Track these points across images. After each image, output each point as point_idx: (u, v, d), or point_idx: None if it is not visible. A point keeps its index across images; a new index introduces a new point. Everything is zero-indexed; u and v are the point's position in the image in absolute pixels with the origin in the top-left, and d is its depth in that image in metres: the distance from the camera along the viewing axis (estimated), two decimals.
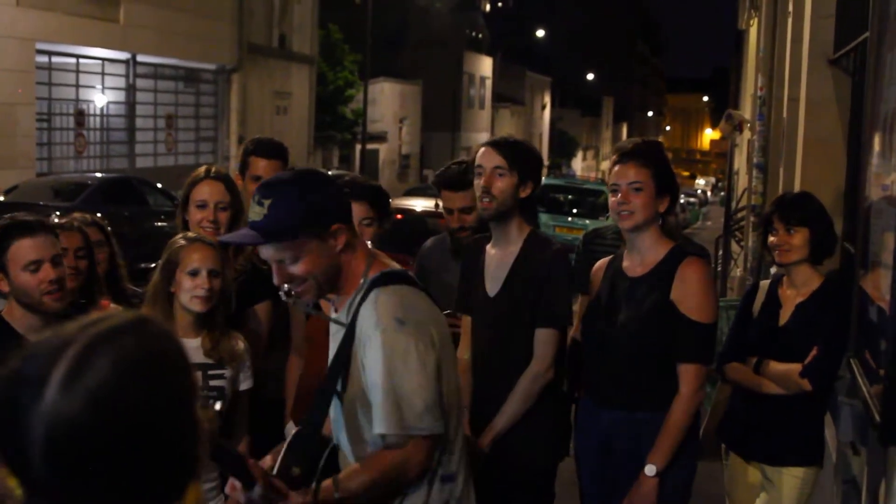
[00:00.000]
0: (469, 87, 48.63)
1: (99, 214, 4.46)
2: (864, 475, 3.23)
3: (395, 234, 6.08)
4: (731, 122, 11.19)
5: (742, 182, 15.93)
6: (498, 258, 3.43)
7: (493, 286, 3.42)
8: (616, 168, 3.26)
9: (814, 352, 3.57)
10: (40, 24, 18.20)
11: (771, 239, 3.75)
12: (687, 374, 3.17)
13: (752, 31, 14.84)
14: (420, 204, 13.38)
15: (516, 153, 3.38)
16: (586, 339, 3.43)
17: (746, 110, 14.89)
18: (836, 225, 3.92)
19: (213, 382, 3.19)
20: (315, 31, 31.35)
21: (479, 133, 46.66)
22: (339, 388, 2.50)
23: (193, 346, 3.14)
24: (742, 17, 16.87)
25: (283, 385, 3.72)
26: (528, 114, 58.54)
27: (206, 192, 3.70)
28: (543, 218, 18.15)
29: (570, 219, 20.09)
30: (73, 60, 20.49)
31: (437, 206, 7.76)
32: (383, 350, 2.35)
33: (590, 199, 20.97)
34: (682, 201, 32.18)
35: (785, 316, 3.75)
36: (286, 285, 2.43)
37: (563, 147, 63.70)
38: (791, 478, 3.68)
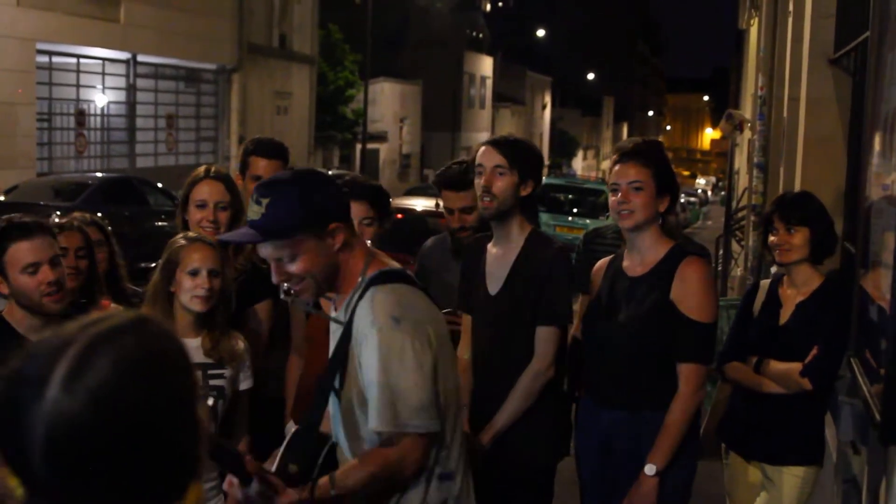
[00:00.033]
0: (469, 86, 48.63)
1: (99, 214, 4.46)
2: (864, 474, 3.23)
3: (396, 233, 6.08)
4: (732, 121, 11.18)
5: (742, 182, 15.94)
6: (499, 257, 3.44)
7: (494, 285, 3.42)
8: (616, 167, 3.26)
9: (814, 351, 3.57)
10: (41, 24, 18.20)
11: (771, 238, 3.75)
12: (687, 373, 3.17)
13: (753, 31, 14.84)
14: (420, 203, 13.39)
15: (516, 152, 3.38)
16: (586, 338, 3.43)
17: (747, 110, 14.88)
18: (837, 224, 3.92)
19: (212, 382, 3.19)
20: (315, 31, 31.35)
21: (480, 133, 46.65)
22: (336, 385, 2.51)
23: (193, 346, 3.14)
24: (742, 16, 16.87)
25: (284, 384, 3.72)
26: (529, 113, 58.53)
27: (206, 191, 3.70)
28: (544, 217, 18.15)
29: (570, 218, 20.10)
30: (73, 60, 20.49)
31: (437, 205, 7.76)
32: (379, 348, 2.36)
33: (590, 199, 20.99)
34: (682, 201, 32.19)
35: (785, 315, 3.75)
36: (285, 284, 2.45)
37: (564, 147, 63.69)
38: (791, 477, 3.68)
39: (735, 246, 13.72)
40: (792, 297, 3.76)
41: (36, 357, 1.14)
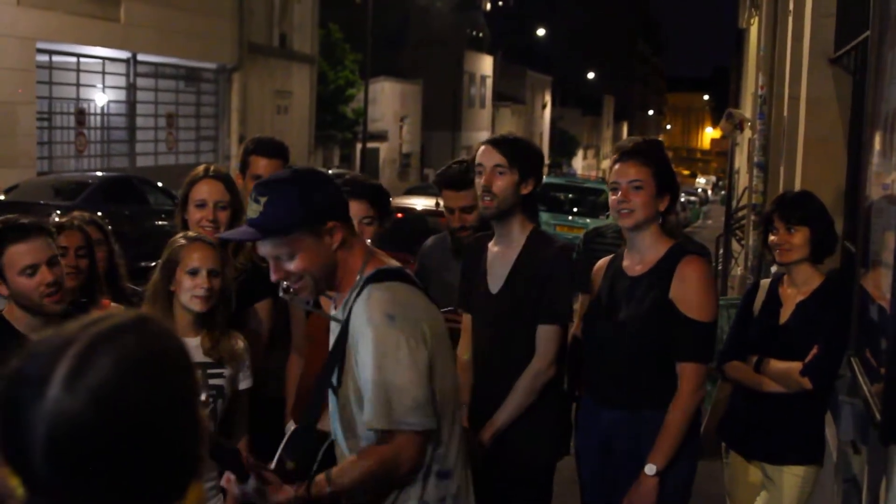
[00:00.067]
0: (469, 86, 48.62)
1: (100, 213, 4.47)
2: (864, 474, 3.23)
3: (396, 232, 6.08)
4: (732, 120, 11.17)
5: (743, 181, 15.93)
6: (500, 256, 3.44)
7: (495, 284, 3.42)
8: (616, 166, 3.26)
9: (814, 350, 3.57)
10: (41, 24, 18.20)
11: (771, 238, 3.75)
12: (686, 372, 3.17)
13: (753, 30, 14.83)
14: (420, 203, 13.38)
15: (516, 151, 3.38)
16: (586, 338, 3.43)
17: (747, 109, 14.88)
18: (837, 224, 3.92)
19: (212, 381, 3.19)
20: (315, 30, 31.35)
21: (480, 132, 46.64)
22: (334, 383, 2.53)
23: (193, 345, 3.14)
24: (742, 15, 16.86)
25: (284, 384, 3.72)
26: (529, 113, 58.53)
27: (206, 191, 3.70)
28: (544, 217, 18.13)
29: (570, 218, 20.08)
30: (73, 59, 20.50)
31: (437, 204, 7.75)
32: (374, 345, 2.38)
33: (590, 198, 20.97)
34: (682, 200, 32.20)
35: (785, 314, 3.75)
36: (284, 282, 2.47)
37: (564, 146, 63.68)
38: (791, 476, 3.68)
39: (735, 245, 13.72)
40: (792, 297, 3.76)
41: (37, 356, 1.14)
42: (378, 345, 2.37)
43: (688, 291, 3.17)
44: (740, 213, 13.71)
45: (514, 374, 3.34)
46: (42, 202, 12.68)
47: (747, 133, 12.21)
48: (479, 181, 3.37)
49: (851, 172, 4.88)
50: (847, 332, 3.48)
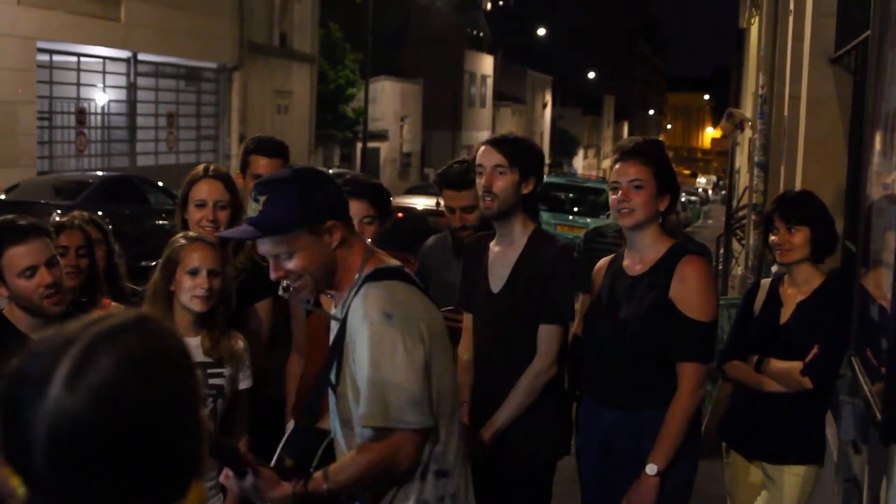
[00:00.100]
0: (470, 85, 48.62)
1: (100, 213, 4.47)
2: (865, 474, 3.23)
3: (396, 232, 6.08)
4: (733, 120, 11.17)
5: (743, 180, 15.93)
6: (501, 255, 3.44)
7: (496, 283, 3.42)
8: (617, 166, 3.26)
9: (815, 350, 3.57)
10: (41, 23, 18.21)
11: (772, 238, 3.75)
12: (686, 372, 3.17)
13: (753, 30, 14.83)
14: (421, 202, 13.37)
15: (516, 150, 3.38)
16: (587, 337, 3.43)
17: (747, 109, 14.88)
18: (838, 223, 3.92)
19: (212, 381, 3.19)
20: (316, 29, 31.35)
21: (480, 131, 46.65)
22: (333, 381, 2.54)
23: (193, 345, 3.14)
24: (743, 15, 16.86)
25: (284, 384, 3.72)
26: (529, 112, 58.52)
27: (205, 190, 3.70)
28: (544, 216, 18.13)
29: (571, 217, 20.07)
30: (74, 59, 20.49)
31: (438, 204, 7.76)
32: (370, 343, 2.39)
33: (591, 198, 20.96)
34: (683, 200, 32.20)
35: (786, 314, 3.75)
36: (284, 281, 2.48)
37: (565, 146, 63.68)
38: (792, 476, 3.68)
39: (736, 245, 13.71)
40: (793, 296, 3.76)
41: (38, 356, 1.14)
42: (375, 342, 2.38)
43: (687, 291, 3.17)
44: (741, 213, 13.71)
45: (515, 374, 3.34)
46: (42, 202, 12.69)
47: (748, 133, 12.22)
48: (480, 182, 3.37)
49: (852, 172, 4.88)
50: (848, 332, 3.48)
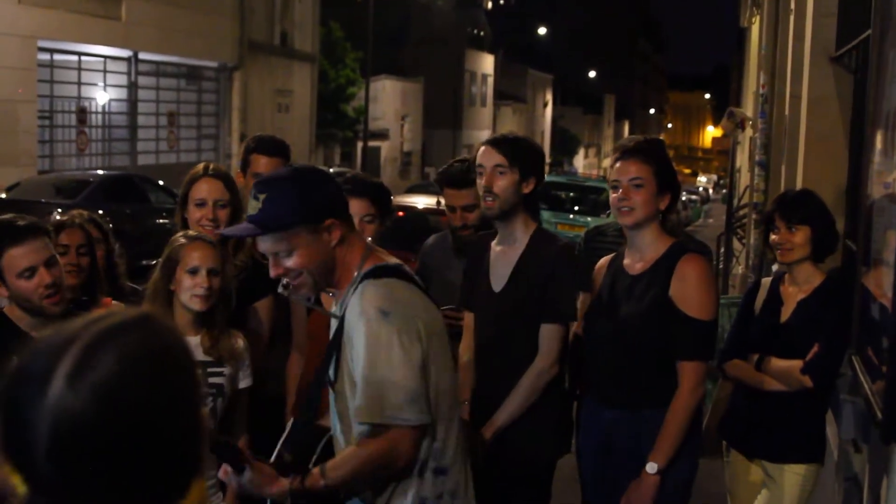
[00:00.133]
0: (471, 84, 48.62)
1: (101, 212, 4.47)
2: (865, 473, 3.22)
3: (397, 231, 6.08)
4: (733, 119, 11.16)
5: (744, 180, 15.93)
6: (503, 255, 3.44)
7: (497, 282, 3.42)
8: (617, 164, 3.26)
9: (815, 349, 3.57)
10: (42, 22, 18.21)
11: (773, 237, 3.75)
12: (686, 371, 3.16)
13: (754, 29, 14.83)
14: (422, 201, 13.36)
15: (516, 150, 3.38)
16: (587, 337, 3.43)
17: (748, 108, 14.88)
18: (838, 222, 3.92)
19: (212, 380, 3.19)
20: (316, 28, 31.34)
21: (481, 130, 46.65)
22: (331, 378, 2.55)
23: (193, 344, 3.14)
24: (744, 14, 16.86)
25: (284, 383, 3.72)
26: (530, 111, 58.52)
27: (205, 189, 3.70)
28: (545, 215, 18.10)
29: (571, 216, 20.06)
30: (74, 58, 20.49)
31: (438, 203, 7.75)
32: (366, 340, 2.40)
33: (591, 197, 20.94)
34: (683, 199, 32.17)
35: (786, 313, 3.75)
36: (284, 279, 2.49)
37: (565, 145, 63.67)
38: (792, 475, 3.68)
39: (736, 244, 13.71)
40: (793, 295, 3.76)
41: (39, 354, 1.14)
42: (371, 340, 2.39)
43: (687, 290, 3.17)
44: (741, 212, 13.71)
45: (516, 373, 3.34)
46: (43, 201, 12.69)
47: (748, 132, 12.21)
48: (481, 182, 3.37)
49: (852, 171, 4.88)
50: (848, 331, 3.48)
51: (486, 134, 40.35)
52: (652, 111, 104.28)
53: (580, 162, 65.93)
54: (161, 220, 13.98)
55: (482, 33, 52.50)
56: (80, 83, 20.93)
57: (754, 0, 13.95)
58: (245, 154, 4.10)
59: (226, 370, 3.24)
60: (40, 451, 1.10)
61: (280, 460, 2.52)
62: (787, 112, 7.56)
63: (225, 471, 2.41)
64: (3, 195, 13.64)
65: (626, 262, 3.34)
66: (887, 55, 3.03)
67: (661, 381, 3.19)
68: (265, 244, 2.48)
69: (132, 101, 22.48)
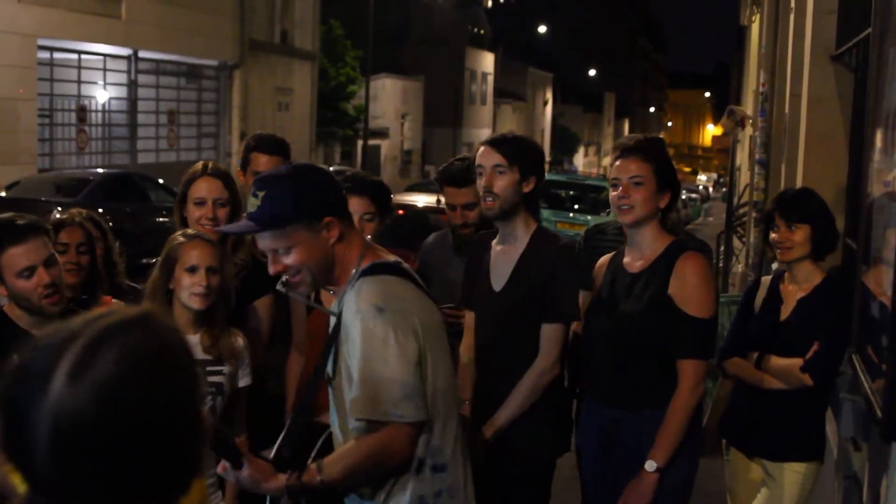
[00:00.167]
0: (471, 83, 48.60)
1: (101, 210, 4.47)
2: (865, 471, 3.23)
3: (397, 229, 6.09)
4: (733, 117, 11.15)
5: (744, 178, 15.93)
6: (503, 254, 3.44)
7: (497, 282, 3.42)
8: (617, 163, 3.26)
9: (815, 347, 3.57)
10: (42, 20, 18.19)
11: (772, 235, 3.75)
12: (686, 369, 3.16)
13: (754, 27, 14.83)
14: (422, 200, 13.36)
15: (516, 150, 3.38)
16: (587, 335, 3.43)
17: (748, 106, 14.87)
18: (838, 221, 3.92)
19: (211, 379, 3.19)
20: (317, 26, 31.32)
21: (481, 129, 46.65)
22: (329, 374, 2.55)
23: (193, 343, 3.14)
24: (744, 13, 16.85)
25: (284, 381, 3.72)
26: (530, 110, 58.51)
27: (204, 188, 3.70)
28: (545, 214, 18.11)
29: (571, 215, 20.05)
30: (74, 56, 20.47)
31: (438, 201, 7.75)
32: (362, 336, 2.40)
33: (591, 195, 20.94)
34: (683, 197, 32.15)
35: (786, 311, 3.75)
36: (283, 277, 2.50)
37: (565, 143, 63.66)
38: (792, 473, 3.68)
39: (736, 242, 13.70)
40: (793, 294, 3.76)
41: (40, 352, 1.14)
42: (366, 336, 2.40)
43: (686, 288, 3.17)
44: (741, 211, 13.71)
45: (516, 372, 3.34)
46: (43, 199, 12.69)
47: (749, 130, 12.21)
48: (481, 182, 3.37)
49: (853, 170, 4.88)
50: (848, 329, 3.48)
51: (486, 132, 40.38)
52: (652, 109, 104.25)
53: (580, 160, 65.93)
54: (161, 219, 13.99)
55: (482, 31, 52.48)
56: (80, 81, 20.91)
57: None
58: (245, 152, 4.10)
59: (225, 369, 3.23)
60: (41, 449, 1.10)
61: (279, 456, 2.53)
62: (787, 110, 7.56)
63: (223, 466, 2.42)
64: (3, 193, 13.64)
65: (625, 260, 3.34)
66: (887, 54, 3.03)
67: (662, 382, 3.18)
68: (264, 241, 2.49)
69: (132, 100, 22.47)
